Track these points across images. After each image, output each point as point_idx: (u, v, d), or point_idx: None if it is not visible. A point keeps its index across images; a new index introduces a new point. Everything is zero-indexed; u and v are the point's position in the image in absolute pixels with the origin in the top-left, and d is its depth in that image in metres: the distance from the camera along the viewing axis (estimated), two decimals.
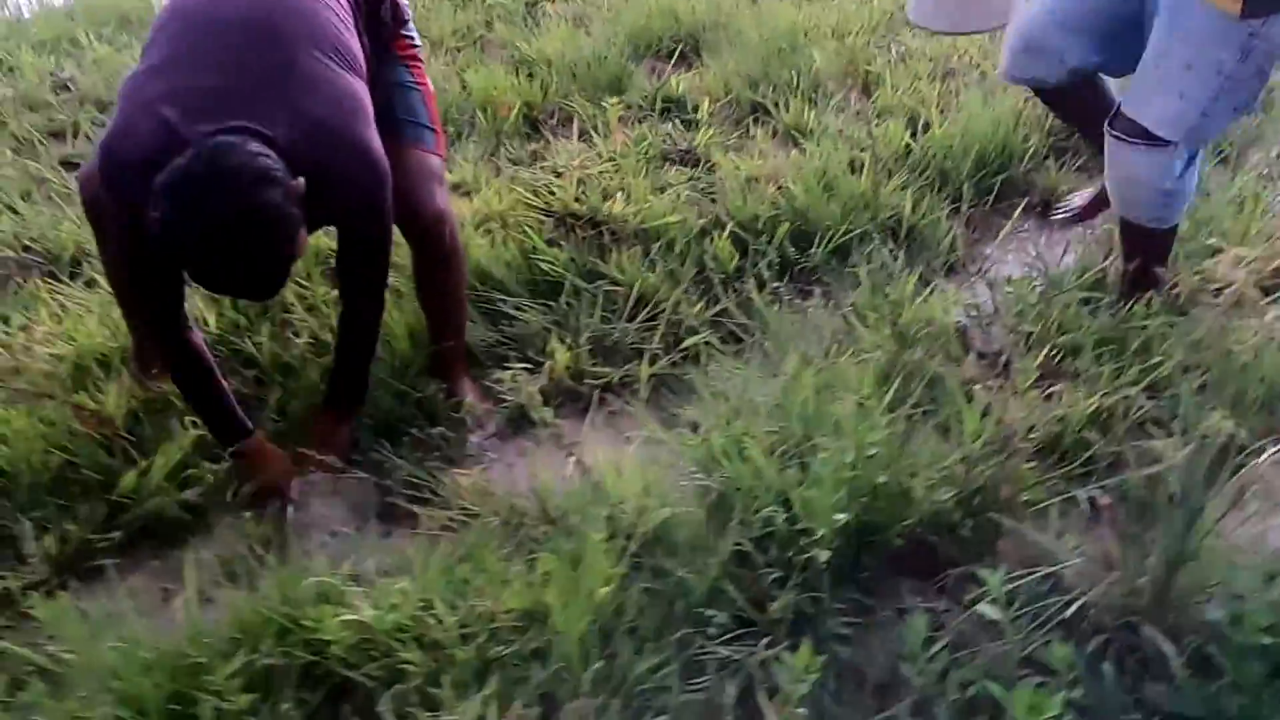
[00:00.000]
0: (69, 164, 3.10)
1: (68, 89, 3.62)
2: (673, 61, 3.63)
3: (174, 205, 1.49)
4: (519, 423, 2.08)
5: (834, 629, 1.48)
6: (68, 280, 2.49)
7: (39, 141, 3.21)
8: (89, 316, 2.22)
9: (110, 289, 2.12)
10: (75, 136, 3.28)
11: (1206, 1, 1.76)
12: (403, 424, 2.01)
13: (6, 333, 2.26)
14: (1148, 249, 2.09)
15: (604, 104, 3.24)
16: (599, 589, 1.44)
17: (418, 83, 2.10)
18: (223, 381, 1.84)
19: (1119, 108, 1.95)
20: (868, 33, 3.74)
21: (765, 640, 1.46)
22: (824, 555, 1.46)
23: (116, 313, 2.21)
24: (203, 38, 1.68)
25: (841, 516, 1.46)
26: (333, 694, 1.44)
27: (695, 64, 3.62)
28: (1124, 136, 1.93)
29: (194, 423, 1.92)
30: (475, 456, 2.00)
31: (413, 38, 2.11)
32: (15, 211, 2.79)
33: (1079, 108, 2.27)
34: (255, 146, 1.53)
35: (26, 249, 2.62)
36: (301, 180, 1.58)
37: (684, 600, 1.52)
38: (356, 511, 1.87)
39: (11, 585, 1.68)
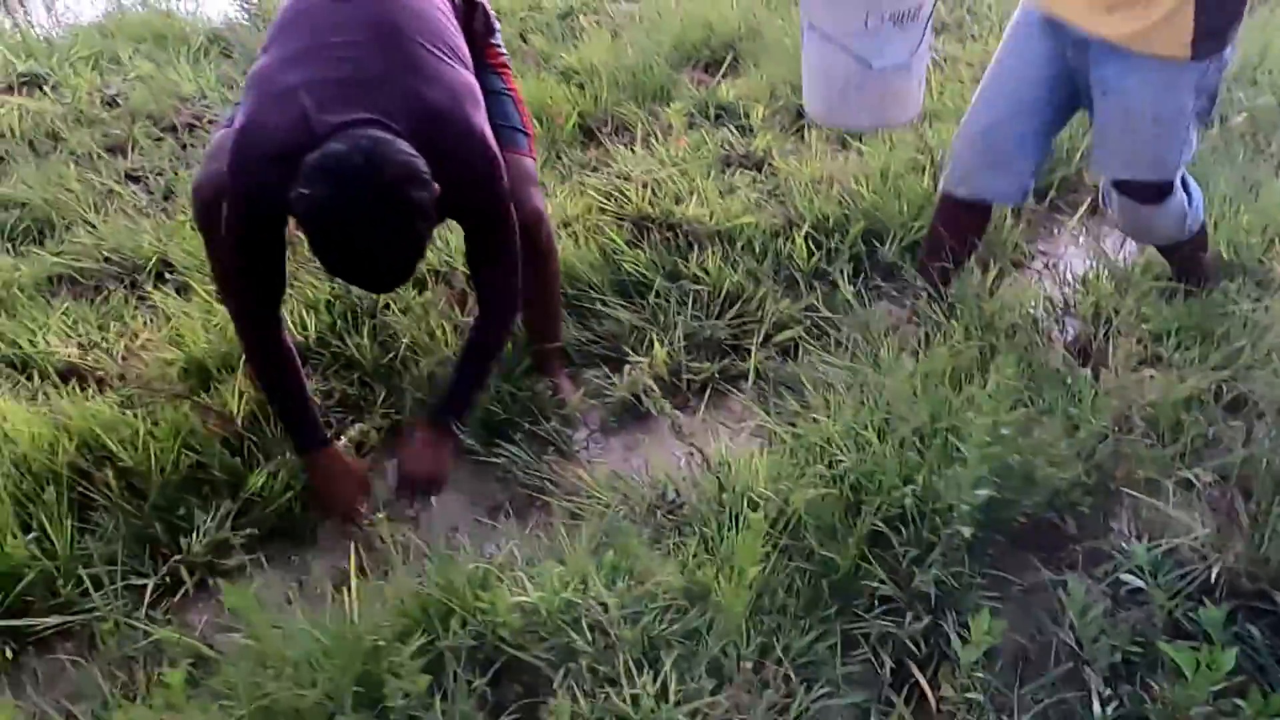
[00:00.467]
0: (133, 178, 3.13)
1: (116, 104, 3.65)
2: (720, 70, 3.70)
3: (328, 186, 1.51)
4: (622, 417, 2.14)
5: (976, 601, 1.55)
6: (152, 290, 2.52)
7: (97, 155, 3.24)
8: (191, 323, 2.25)
9: (219, 292, 2.15)
10: (132, 150, 3.31)
11: (1151, 55, 1.81)
12: (514, 421, 2.06)
13: (105, 340, 2.30)
14: (1187, 252, 2.20)
15: (653, 111, 3.32)
16: (752, 569, 1.49)
17: (508, 88, 2.16)
18: (307, 388, 1.88)
19: (1115, 181, 2.02)
20: None
21: (910, 615, 1.53)
22: (967, 531, 1.52)
23: (217, 320, 2.26)
24: (329, 33, 1.72)
25: (984, 493, 1.52)
26: (499, 675, 1.48)
27: (734, 72, 3.71)
28: (1136, 199, 2.01)
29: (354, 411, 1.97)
30: (584, 450, 2.05)
31: (500, 46, 2.18)
32: (89, 224, 2.82)
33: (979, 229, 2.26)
34: (405, 145, 1.58)
35: (107, 260, 2.65)
36: (437, 186, 1.63)
37: (827, 579, 1.58)
38: (481, 504, 1.92)
39: (151, 581, 1.72)
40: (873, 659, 1.49)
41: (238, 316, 1.87)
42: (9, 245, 2.75)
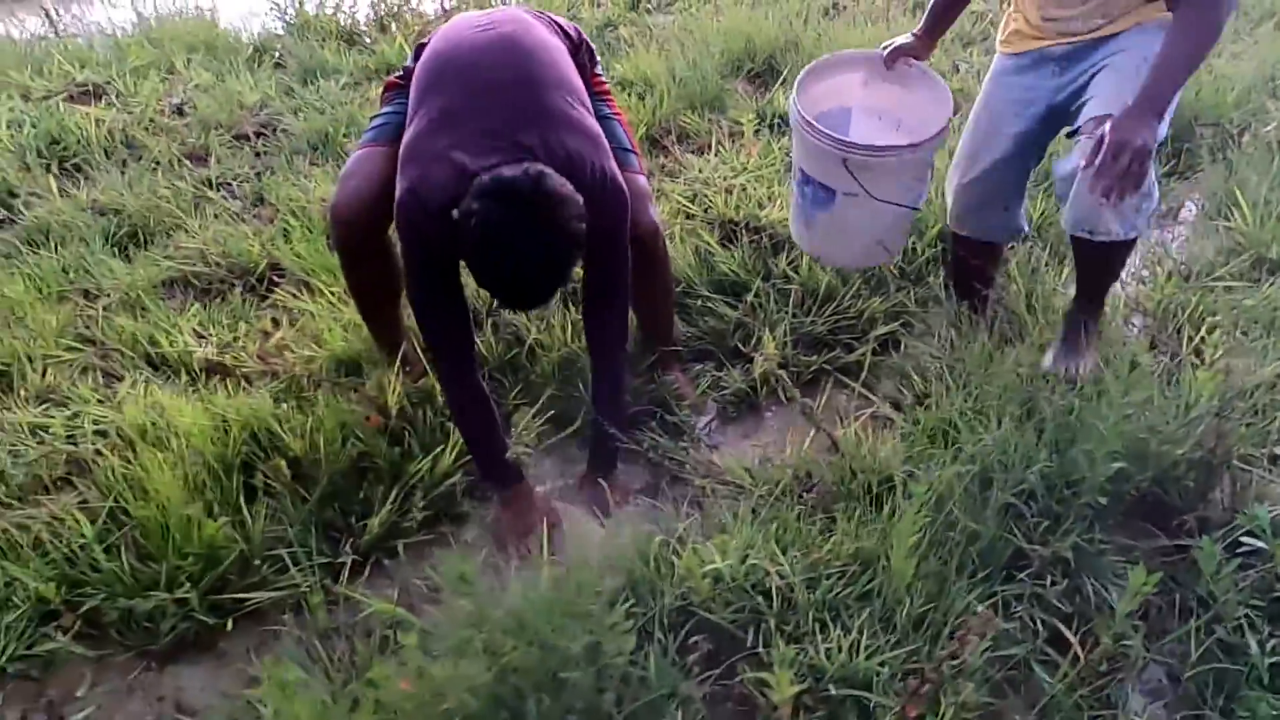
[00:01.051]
0: (216, 184, 3.23)
1: (184, 113, 3.75)
2: (764, 80, 3.88)
3: (498, 204, 1.62)
4: (739, 407, 2.30)
5: (1110, 563, 1.72)
6: (269, 292, 2.64)
7: (178, 163, 3.34)
8: (323, 322, 2.38)
9: (357, 309, 2.26)
10: (209, 157, 3.40)
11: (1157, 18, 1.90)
12: (649, 411, 2.21)
13: (238, 338, 2.42)
14: (1117, 260, 2.10)
15: (711, 120, 3.48)
16: (912, 537, 1.66)
17: (614, 113, 2.27)
18: (499, 426, 1.96)
19: (1095, 116, 1.88)
20: (940, 51, 4.02)
21: (1049, 578, 1.70)
22: (1102, 499, 1.70)
23: (348, 316, 2.39)
24: (472, 90, 1.84)
25: (1116, 465, 1.70)
26: (691, 635, 1.63)
27: (775, 82, 3.88)
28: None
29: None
30: (709, 437, 2.21)
31: (602, 74, 2.30)
32: (187, 230, 2.92)
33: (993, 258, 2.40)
34: (565, 180, 1.70)
35: (216, 264, 2.75)
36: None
37: (974, 547, 1.74)
38: (628, 485, 2.07)
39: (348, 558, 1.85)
40: (1025, 617, 1.65)
41: (440, 365, 1.96)
42: (113, 250, 2.85)
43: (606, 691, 1.47)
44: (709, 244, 2.68)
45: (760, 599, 1.64)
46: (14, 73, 4.07)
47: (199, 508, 1.83)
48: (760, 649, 1.58)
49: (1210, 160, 3.10)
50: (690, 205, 2.89)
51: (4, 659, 1.64)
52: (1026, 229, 2.35)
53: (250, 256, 2.75)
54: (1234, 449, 1.87)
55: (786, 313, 2.46)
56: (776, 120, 3.46)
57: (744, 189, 2.94)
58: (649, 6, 4.82)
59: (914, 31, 2.32)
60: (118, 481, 1.89)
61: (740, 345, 2.41)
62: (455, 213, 1.67)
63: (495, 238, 1.64)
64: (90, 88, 4.00)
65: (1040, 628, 1.65)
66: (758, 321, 2.47)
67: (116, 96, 3.86)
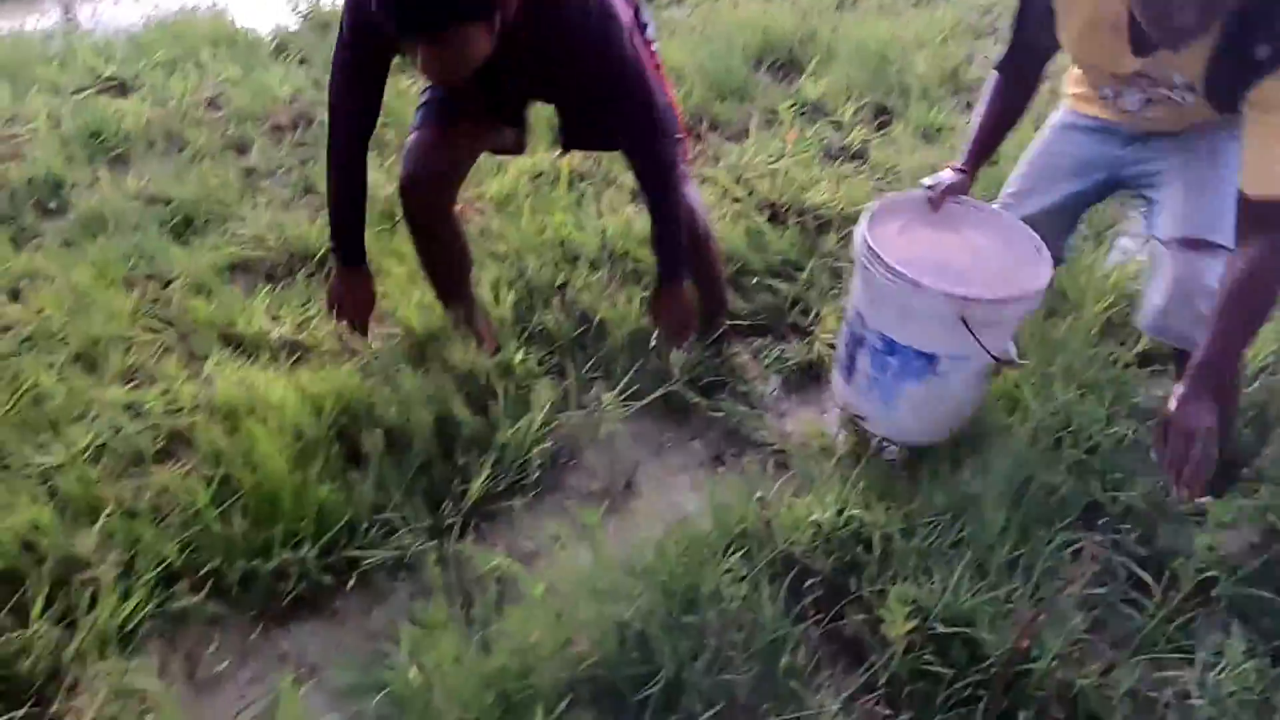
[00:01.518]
0: (261, 173, 3.28)
1: (218, 105, 3.79)
2: (785, 70, 3.98)
3: None
4: (802, 378, 2.39)
5: (1178, 513, 1.83)
6: (325, 276, 2.70)
7: (220, 153, 3.39)
8: (395, 301, 2.44)
9: (431, 284, 2.31)
10: (249, 148, 3.45)
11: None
12: (719, 381, 2.30)
13: (307, 318, 2.48)
14: None
15: (741, 109, 3.58)
16: (999, 489, 1.76)
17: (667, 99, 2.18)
18: (364, 207, 2.00)
19: (1193, 238, 1.77)
20: (951, 41, 4.15)
21: (1124, 526, 1.81)
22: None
23: (416, 297, 2.46)
24: None
25: None
26: (795, 582, 1.72)
27: (799, 72, 3.99)
28: (1190, 252, 1.77)
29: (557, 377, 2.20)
30: (777, 405, 2.30)
31: (654, 44, 2.20)
32: (240, 217, 2.97)
33: None
34: None
35: (275, 248, 2.81)
36: None
37: (1050, 499, 1.85)
38: (709, 450, 2.15)
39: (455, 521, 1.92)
40: (1107, 561, 1.76)
41: (333, 135, 1.92)
42: (170, 236, 2.90)
43: (729, 632, 1.55)
44: (759, 225, 2.77)
45: (859, 548, 1.74)
46: (40, 67, 4.09)
47: (311, 473, 1.89)
48: (865, 594, 1.67)
49: None
50: (736, 188, 2.98)
51: (138, 619, 1.69)
52: (1063, 257, 2.18)
53: (310, 241, 2.81)
54: None
55: (840, 288, 2.56)
56: (802, 109, 3.56)
57: (786, 173, 3.04)
58: (659, 5, 4.91)
59: (955, 166, 2.08)
60: (223, 451, 1.95)
61: (799, 319, 2.51)
62: None
63: None
64: (119, 82, 4.03)
65: (1121, 571, 1.75)
66: (814, 296, 2.56)
67: (149, 90, 3.89)
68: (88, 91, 3.91)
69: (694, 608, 1.59)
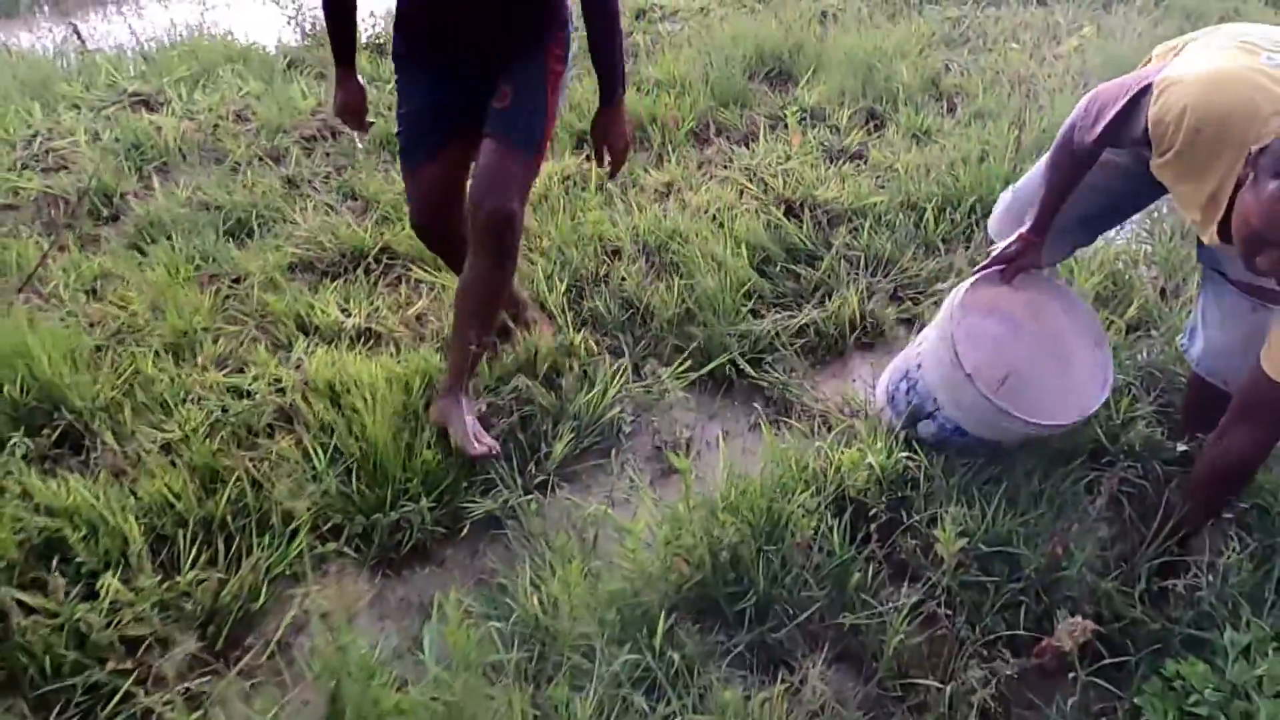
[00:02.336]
0: (297, 181, 3.48)
1: (246, 118, 3.98)
2: (779, 79, 4.27)
3: None
4: (828, 353, 2.66)
5: (1172, 454, 2.13)
6: (384, 272, 2.93)
7: (258, 163, 3.59)
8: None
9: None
10: (285, 157, 3.65)
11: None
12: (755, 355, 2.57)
13: (375, 309, 2.70)
14: None
15: (743, 115, 3.87)
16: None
17: (552, 76, 2.15)
18: (354, 20, 2.24)
19: (1245, 282, 1.85)
20: (928, 51, 4.48)
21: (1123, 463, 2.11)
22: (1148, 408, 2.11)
23: None
24: None
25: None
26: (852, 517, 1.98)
27: (789, 82, 4.29)
28: (1267, 304, 1.84)
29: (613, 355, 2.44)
30: (807, 376, 2.57)
31: (565, 44, 2.17)
32: (288, 220, 3.18)
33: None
34: None
35: (329, 248, 3.02)
36: None
37: (1058, 441, 2.13)
38: (753, 415, 2.41)
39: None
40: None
41: None
42: (229, 239, 3.09)
43: (806, 557, 1.81)
44: (777, 218, 3.05)
45: (908, 487, 2.01)
46: (62, 85, 4.26)
47: (415, 440, 2.12)
48: (916, 523, 1.94)
49: None
50: (752, 186, 3.26)
51: (269, 571, 1.90)
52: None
53: (362, 241, 3.03)
54: None
55: (857, 274, 2.84)
56: (800, 115, 3.85)
57: (794, 173, 3.32)
58: (654, 15, 5.19)
59: (1023, 233, 2.04)
60: (332, 424, 2.17)
61: (822, 301, 2.78)
62: None
63: None
64: (144, 98, 4.20)
65: (1124, 498, 2.04)
66: (834, 281, 2.84)
67: (177, 104, 4.07)
68: (114, 107, 4.09)
69: (774, 537, 1.85)
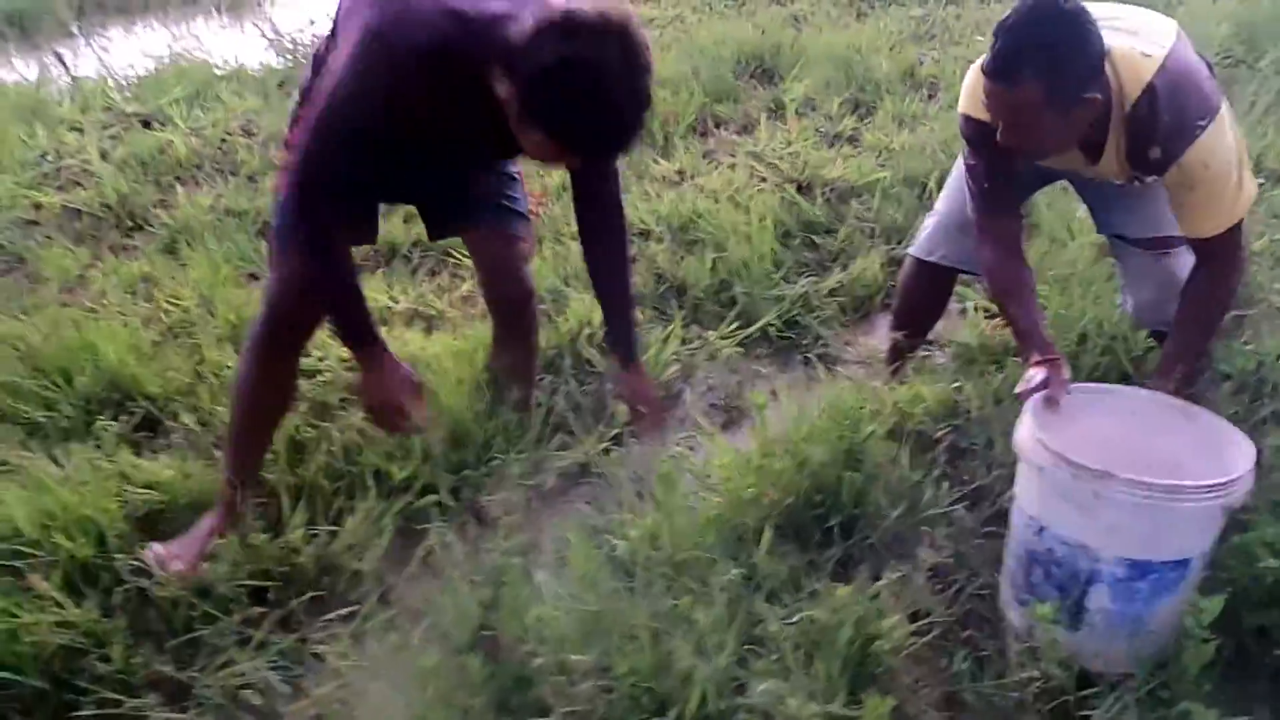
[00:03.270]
0: None
1: (252, 133, 4.06)
2: (761, 77, 4.47)
3: (593, 42, 1.43)
4: (855, 314, 2.82)
5: None
6: (419, 262, 3.04)
7: (271, 172, 3.66)
8: None
9: (247, 418, 1.96)
10: None
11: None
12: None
13: (419, 295, 2.80)
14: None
15: (738, 109, 4.05)
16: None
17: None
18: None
19: (1141, 239, 2.07)
20: (899, 46, 4.72)
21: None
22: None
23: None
24: None
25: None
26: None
27: (774, 78, 4.48)
28: (1160, 250, 2.05)
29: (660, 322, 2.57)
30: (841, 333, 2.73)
31: None
32: None
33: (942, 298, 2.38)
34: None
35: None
36: None
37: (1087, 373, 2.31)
38: (796, 372, 2.55)
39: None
40: None
41: (329, 263, 1.73)
42: (263, 240, 3.17)
43: (883, 479, 1.95)
44: (791, 195, 3.22)
45: (963, 418, 2.16)
46: (59, 109, 4.29)
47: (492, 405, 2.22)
48: (976, 446, 2.09)
49: None
50: (761, 169, 3.42)
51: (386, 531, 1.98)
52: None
53: (394, 235, 3.12)
54: None
55: (873, 242, 3.02)
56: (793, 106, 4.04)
57: (799, 156, 3.49)
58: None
59: (1037, 361, 1.84)
60: None
61: (845, 267, 2.94)
62: (504, 88, 1.51)
63: (594, 77, 1.44)
64: (144, 117, 4.25)
65: None
66: (850, 250, 3.01)
67: (179, 121, 4.12)
68: (115, 127, 4.14)
69: (849, 464, 1.98)
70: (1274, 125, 3.52)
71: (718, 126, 3.98)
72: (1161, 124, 1.74)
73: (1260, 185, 2.19)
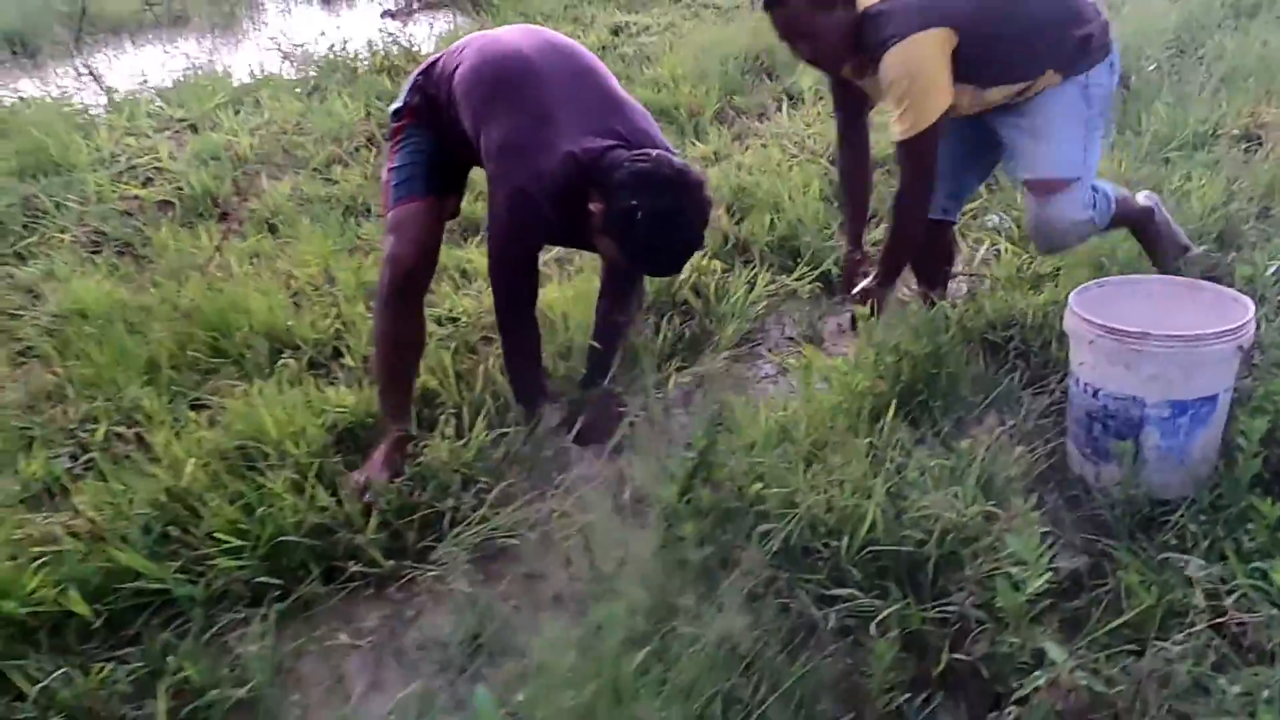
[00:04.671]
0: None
1: (304, 131, 4.34)
2: (762, 75, 4.90)
3: (666, 195, 1.95)
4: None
5: None
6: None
7: (332, 165, 3.97)
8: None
9: (385, 363, 2.28)
10: (356, 157, 4.04)
11: (1044, 87, 2.31)
12: None
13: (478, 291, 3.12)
14: (1145, 234, 2.60)
15: (751, 101, 4.46)
16: None
17: None
18: None
19: (1025, 180, 2.37)
20: None
21: None
22: None
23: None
24: (552, 86, 2.11)
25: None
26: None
27: (776, 74, 4.92)
28: (1041, 194, 2.34)
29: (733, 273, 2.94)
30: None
31: None
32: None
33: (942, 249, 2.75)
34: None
35: None
36: None
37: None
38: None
39: None
40: None
41: (520, 310, 2.23)
42: (353, 218, 3.46)
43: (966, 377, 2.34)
44: (825, 166, 3.63)
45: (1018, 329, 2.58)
46: (112, 117, 4.53)
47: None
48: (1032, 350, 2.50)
49: None
50: (791, 146, 3.83)
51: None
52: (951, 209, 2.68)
53: (475, 210, 3.44)
54: None
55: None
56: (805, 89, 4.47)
57: (824, 135, 3.91)
58: (630, 31, 5.78)
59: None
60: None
61: (878, 225, 3.35)
62: (595, 206, 2.00)
63: (669, 223, 1.97)
64: (191, 122, 4.51)
65: None
66: (883, 208, 3.41)
67: (228, 124, 4.39)
68: (164, 132, 4.39)
69: (938, 362, 2.37)
70: (1225, 98, 4.03)
71: (739, 115, 4.38)
72: (879, 30, 2.19)
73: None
